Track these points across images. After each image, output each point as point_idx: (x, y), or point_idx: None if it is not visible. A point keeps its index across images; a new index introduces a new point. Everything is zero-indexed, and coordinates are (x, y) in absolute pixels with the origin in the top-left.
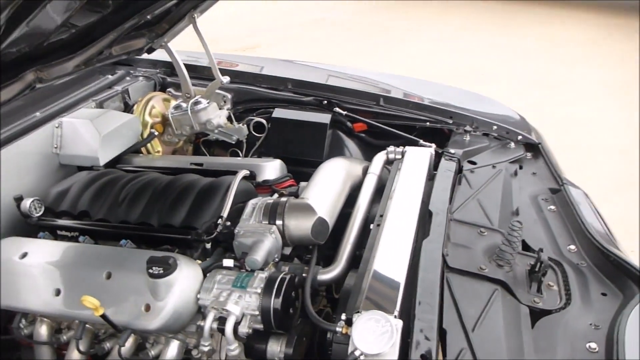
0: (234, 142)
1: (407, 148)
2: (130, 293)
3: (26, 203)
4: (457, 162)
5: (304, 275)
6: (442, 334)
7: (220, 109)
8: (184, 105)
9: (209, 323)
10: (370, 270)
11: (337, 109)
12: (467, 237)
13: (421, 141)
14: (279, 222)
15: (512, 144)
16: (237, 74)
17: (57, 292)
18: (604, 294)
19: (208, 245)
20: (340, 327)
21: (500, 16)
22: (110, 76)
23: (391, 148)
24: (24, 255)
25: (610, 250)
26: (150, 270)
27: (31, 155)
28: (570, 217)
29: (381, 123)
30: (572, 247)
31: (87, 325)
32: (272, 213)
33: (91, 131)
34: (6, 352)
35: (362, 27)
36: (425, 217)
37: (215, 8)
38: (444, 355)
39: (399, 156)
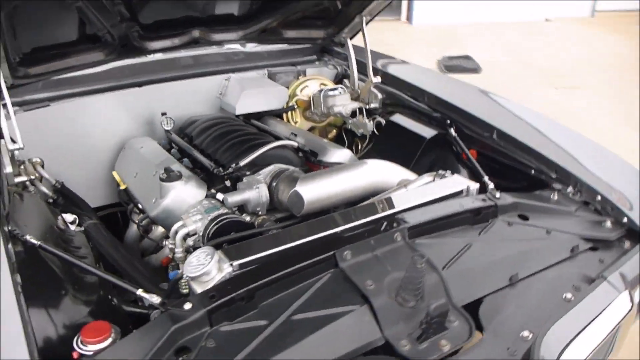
0: (359, 135)
1: (453, 175)
2: (155, 188)
3: (162, 117)
4: (492, 207)
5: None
6: (250, 296)
7: (368, 104)
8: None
9: (175, 227)
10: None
11: (452, 130)
12: (398, 260)
13: (486, 178)
14: (273, 184)
15: (608, 223)
16: (393, 79)
17: (135, 175)
18: None
19: (228, 183)
20: None
21: None
22: (306, 57)
23: (441, 172)
24: (141, 147)
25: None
26: (160, 175)
27: (203, 93)
28: None
29: (492, 157)
30: (527, 334)
31: None
32: (274, 176)
33: (239, 87)
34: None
35: None
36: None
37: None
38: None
39: None
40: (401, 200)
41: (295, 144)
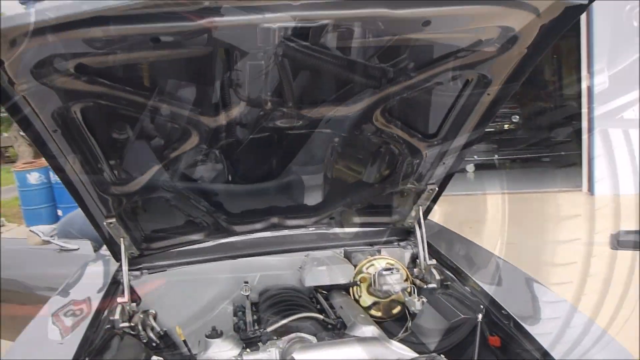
0: (409, 312)
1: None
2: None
3: (243, 285)
4: None
5: None
6: None
7: (426, 284)
8: None
9: None
10: None
11: (479, 316)
12: None
13: None
14: (287, 349)
15: None
16: (450, 263)
17: None
18: None
19: (260, 344)
20: None
21: None
22: (385, 238)
23: (434, 354)
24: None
25: None
26: (206, 332)
27: (287, 267)
28: None
29: (514, 347)
30: None
31: None
32: (289, 342)
33: (310, 263)
34: None
35: None
36: None
37: None
38: None
39: None
40: None
41: (320, 317)
